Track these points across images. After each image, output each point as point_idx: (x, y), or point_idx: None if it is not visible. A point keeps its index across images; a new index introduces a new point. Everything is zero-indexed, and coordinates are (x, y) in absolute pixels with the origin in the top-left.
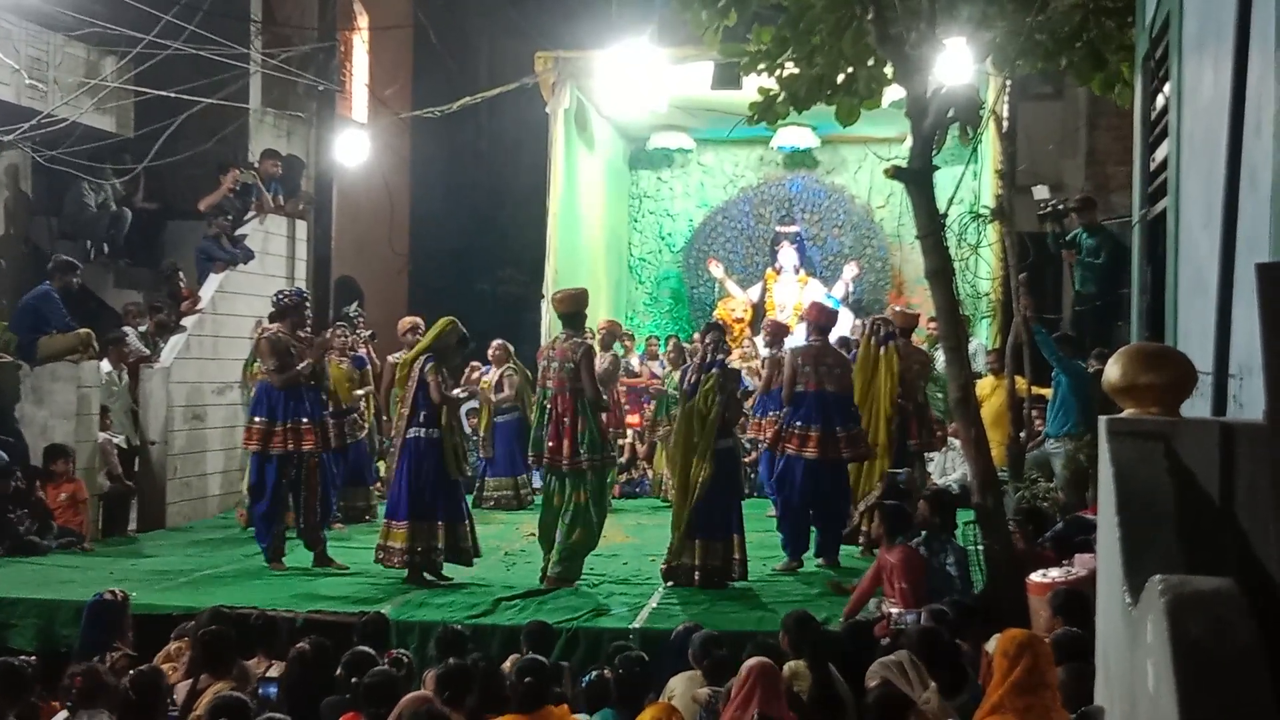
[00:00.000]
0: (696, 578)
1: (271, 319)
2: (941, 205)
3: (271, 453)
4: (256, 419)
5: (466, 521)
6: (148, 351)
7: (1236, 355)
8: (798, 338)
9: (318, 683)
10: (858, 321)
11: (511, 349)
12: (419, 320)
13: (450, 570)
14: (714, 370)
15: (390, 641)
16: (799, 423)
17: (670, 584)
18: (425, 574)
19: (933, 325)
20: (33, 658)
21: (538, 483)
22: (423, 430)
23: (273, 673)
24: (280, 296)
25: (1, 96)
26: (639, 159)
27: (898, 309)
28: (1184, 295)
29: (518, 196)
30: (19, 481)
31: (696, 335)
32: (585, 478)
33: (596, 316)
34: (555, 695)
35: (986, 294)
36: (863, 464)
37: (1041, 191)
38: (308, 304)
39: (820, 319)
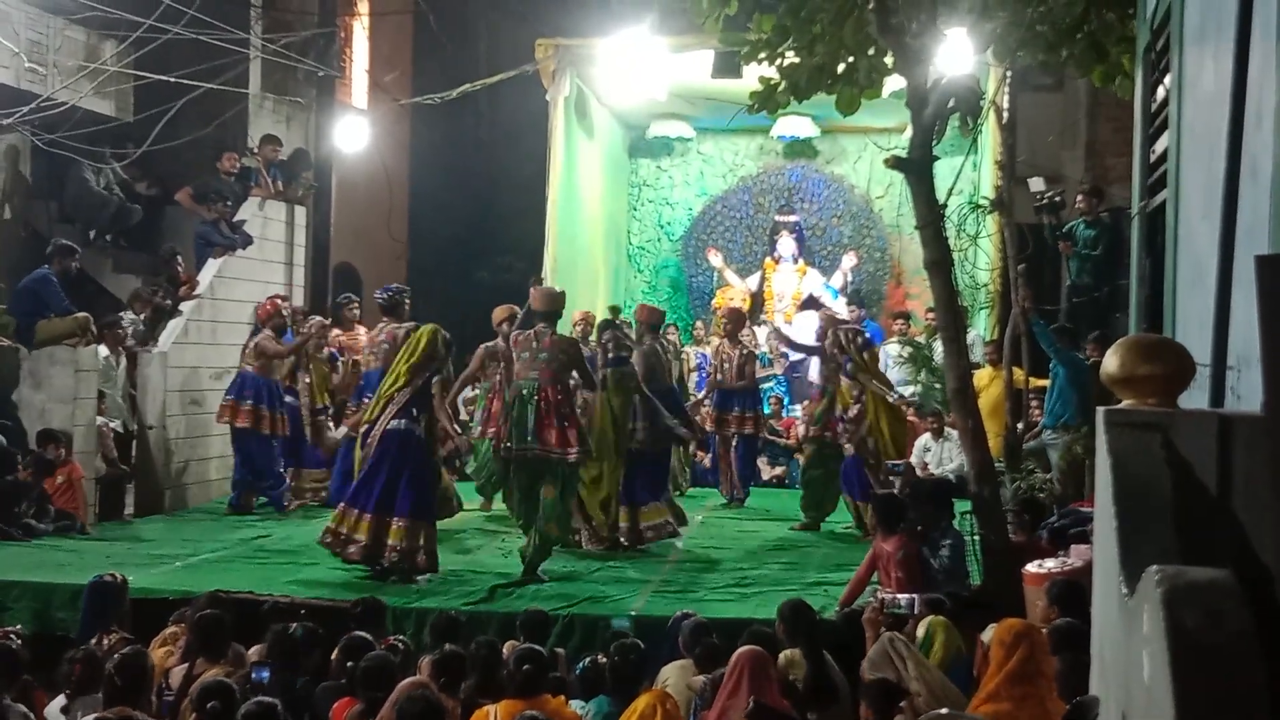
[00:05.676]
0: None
1: (384, 313)
2: (941, 196)
3: None
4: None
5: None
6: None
7: (1235, 347)
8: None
9: (306, 666)
10: (858, 311)
11: None
12: (515, 309)
13: (448, 559)
14: (611, 369)
15: (387, 627)
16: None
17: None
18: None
19: (931, 316)
20: (17, 627)
21: None
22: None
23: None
24: (392, 293)
25: (1, 80)
26: (638, 147)
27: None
28: (1183, 287)
29: (517, 184)
30: (22, 466)
31: (698, 324)
32: (563, 469)
33: (595, 304)
34: (552, 682)
35: (985, 285)
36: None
37: (1037, 183)
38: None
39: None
